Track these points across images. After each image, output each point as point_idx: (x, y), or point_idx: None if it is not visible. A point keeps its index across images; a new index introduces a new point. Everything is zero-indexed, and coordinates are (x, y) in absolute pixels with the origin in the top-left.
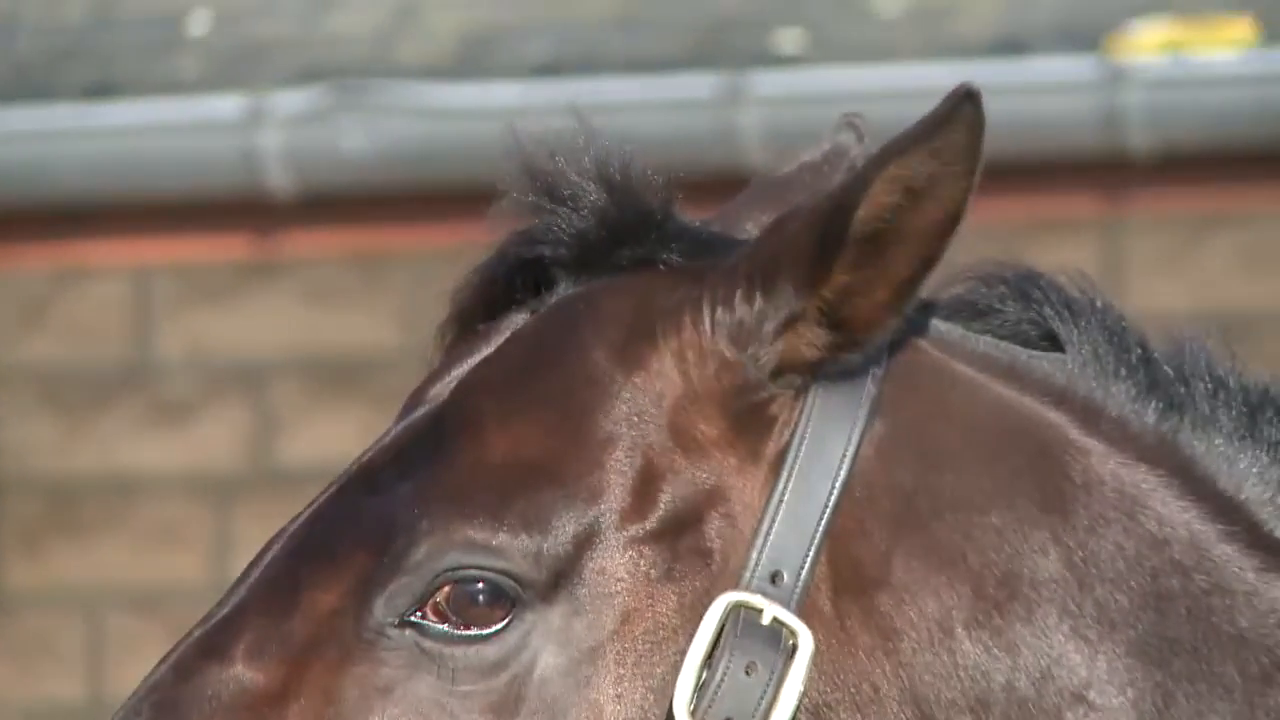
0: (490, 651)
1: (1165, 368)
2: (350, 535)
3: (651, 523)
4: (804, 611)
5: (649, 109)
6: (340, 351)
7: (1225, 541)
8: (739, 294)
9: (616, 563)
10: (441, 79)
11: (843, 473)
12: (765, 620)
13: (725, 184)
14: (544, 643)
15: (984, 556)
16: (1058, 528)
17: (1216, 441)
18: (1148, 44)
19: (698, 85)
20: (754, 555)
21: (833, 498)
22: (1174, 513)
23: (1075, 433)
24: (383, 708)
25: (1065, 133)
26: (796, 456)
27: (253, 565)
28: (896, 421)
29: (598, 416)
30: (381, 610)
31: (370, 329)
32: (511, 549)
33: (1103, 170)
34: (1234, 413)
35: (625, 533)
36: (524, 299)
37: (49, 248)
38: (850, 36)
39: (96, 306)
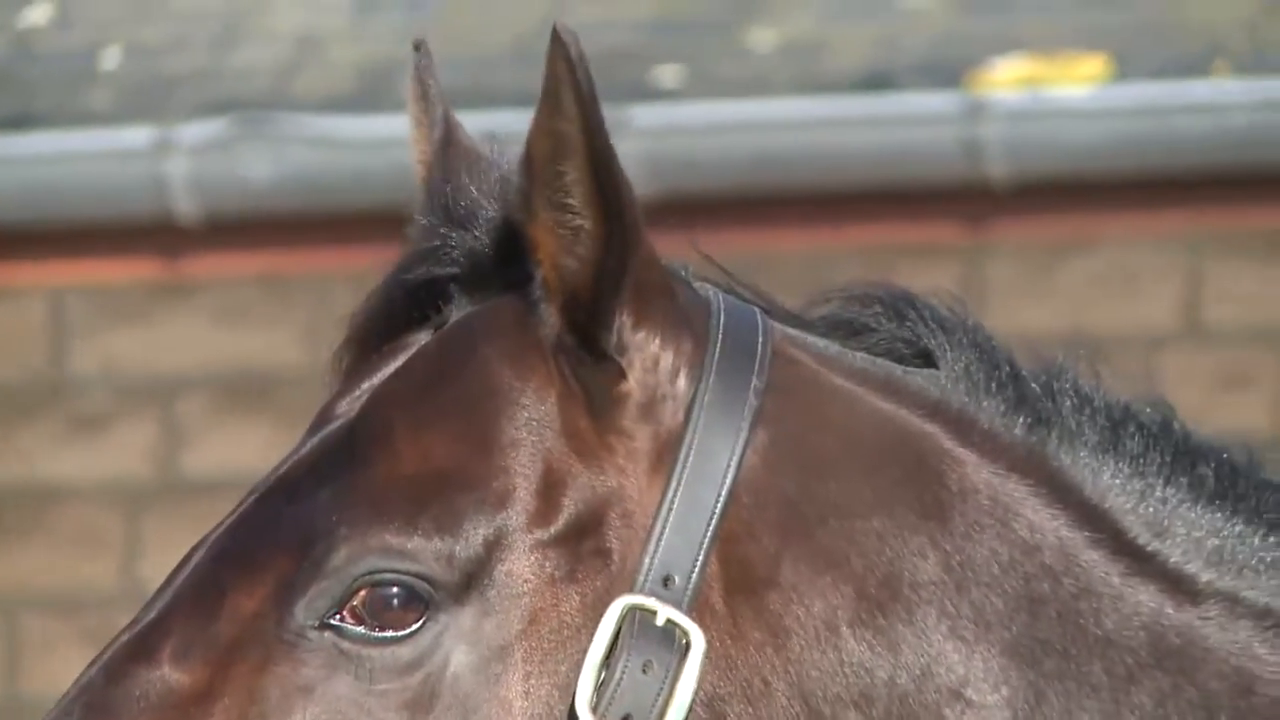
0: (405, 652)
1: (1033, 384)
2: (270, 541)
3: (556, 526)
4: (697, 611)
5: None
6: (245, 368)
7: (1091, 548)
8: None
9: (523, 565)
10: (340, 111)
11: (728, 481)
12: (659, 621)
13: None
14: (456, 642)
15: (867, 559)
16: (936, 533)
17: (1082, 454)
18: (1006, 80)
19: None
20: (647, 560)
21: (719, 505)
22: (1044, 520)
23: (950, 443)
24: (304, 706)
25: (929, 163)
26: (685, 466)
27: (177, 571)
28: (779, 432)
29: (501, 424)
30: (302, 613)
31: (273, 347)
32: (425, 553)
33: (964, 198)
34: (1098, 427)
35: (531, 536)
36: (423, 317)
37: None
38: (726, 72)
39: (15, 326)
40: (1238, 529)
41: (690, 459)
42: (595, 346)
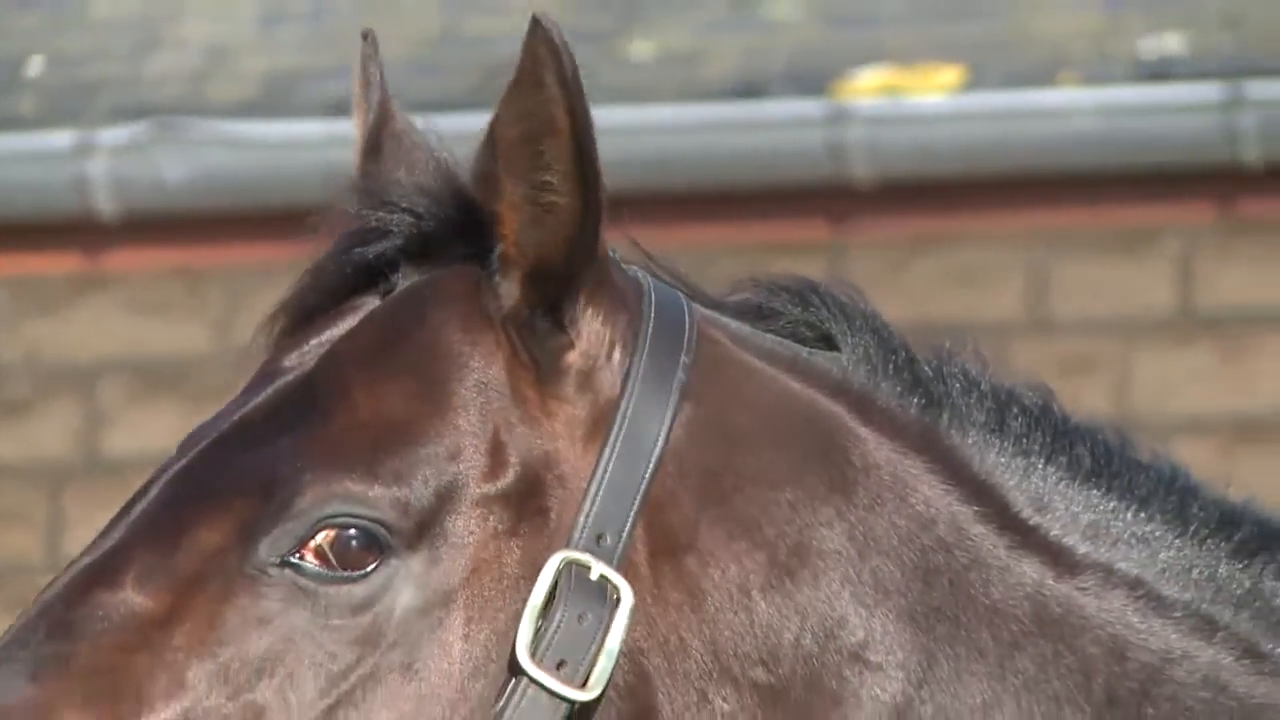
0: (359, 591)
1: (925, 368)
2: (230, 483)
3: (502, 482)
4: (624, 569)
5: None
6: (160, 356)
7: (980, 522)
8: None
9: (470, 518)
10: (249, 116)
11: (657, 449)
12: (593, 576)
13: None
14: (405, 586)
15: (778, 528)
16: (841, 505)
17: (971, 434)
18: (867, 88)
19: (476, 121)
20: (582, 518)
21: (648, 471)
22: (938, 495)
23: (853, 422)
24: (261, 635)
25: (796, 165)
26: (619, 434)
27: (129, 507)
28: (702, 406)
29: (452, 385)
30: (265, 550)
31: (187, 336)
32: (383, 500)
33: (829, 197)
34: (985, 409)
35: (480, 490)
36: (365, 285)
37: None
38: (609, 80)
39: None
40: (1111, 505)
41: (624, 427)
42: (557, 317)
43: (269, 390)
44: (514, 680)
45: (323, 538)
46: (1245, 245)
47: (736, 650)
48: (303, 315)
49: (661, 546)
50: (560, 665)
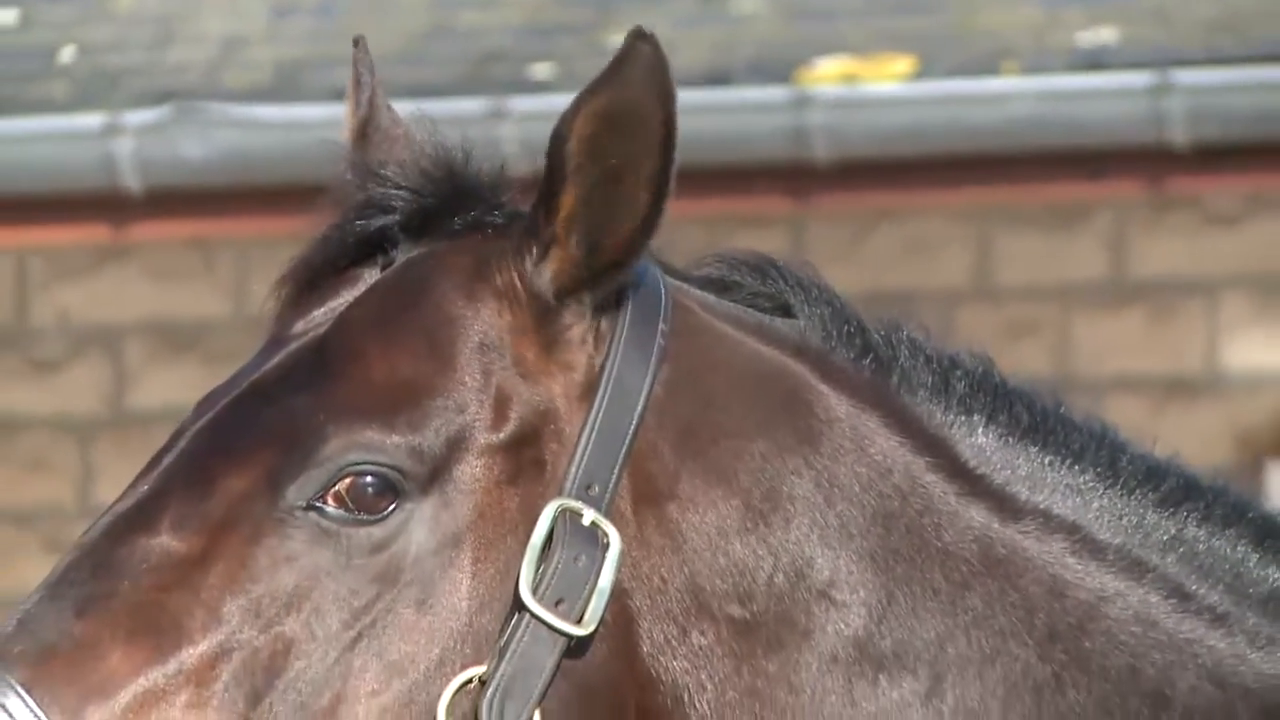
0: (377, 533)
1: (875, 335)
2: (255, 435)
3: (504, 434)
4: (612, 516)
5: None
6: (179, 319)
7: (931, 472)
8: (525, 240)
9: (476, 466)
10: (261, 100)
11: (639, 406)
12: (586, 522)
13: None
14: (419, 528)
15: (751, 476)
16: (808, 455)
17: (920, 394)
18: (827, 76)
19: (468, 106)
20: (574, 469)
21: (632, 426)
22: (893, 448)
23: (814, 379)
24: (288, 573)
25: (761, 146)
26: (605, 392)
27: (158, 459)
28: (678, 368)
29: (458, 346)
30: (292, 495)
31: (204, 301)
32: (401, 448)
33: (791, 176)
34: (931, 372)
35: (485, 440)
36: (365, 258)
37: None
38: (589, 69)
39: None
40: (1048, 458)
41: (610, 388)
42: (583, 297)
43: (283, 354)
44: (517, 615)
45: (343, 484)
46: (1172, 220)
47: (714, 589)
48: (307, 283)
49: (645, 495)
50: (559, 603)
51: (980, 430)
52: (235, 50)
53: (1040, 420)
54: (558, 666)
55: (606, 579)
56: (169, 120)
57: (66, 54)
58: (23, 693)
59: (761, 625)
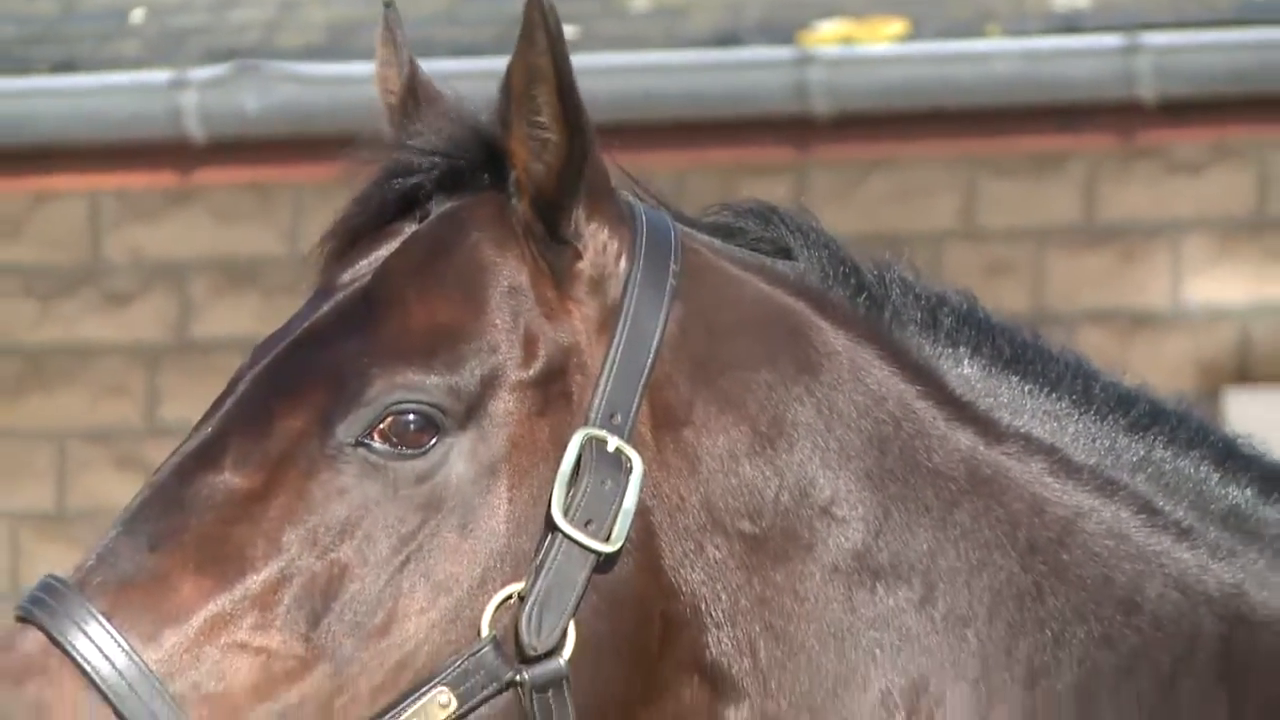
0: (421, 465)
1: (869, 275)
2: (309, 377)
3: (533, 370)
4: (633, 442)
5: (468, 79)
6: (239, 257)
7: (922, 399)
8: (514, 189)
9: (509, 401)
10: (315, 58)
11: (655, 341)
12: (610, 449)
13: None
14: (459, 460)
15: (758, 404)
16: (810, 384)
17: (910, 329)
18: (828, 37)
19: (502, 64)
20: (598, 401)
21: (649, 360)
22: (886, 377)
23: (814, 315)
24: (341, 505)
25: (768, 101)
26: (623, 329)
27: (221, 400)
28: (689, 305)
29: (489, 292)
30: (342, 433)
31: (261, 240)
32: (440, 387)
33: (793, 128)
34: (920, 309)
35: (516, 377)
36: (403, 213)
37: (27, 179)
38: (610, 30)
39: (62, 221)
40: (1028, 387)
41: (628, 324)
42: (557, 232)
43: (331, 302)
44: (550, 536)
45: (388, 422)
46: (1140, 169)
47: (726, 506)
48: (351, 238)
49: (662, 421)
50: (588, 523)
51: (966, 361)
52: (291, 12)
53: (1020, 352)
54: (589, 581)
55: (631, 499)
56: (230, 76)
57: (137, 15)
58: (103, 620)
59: (769, 539)
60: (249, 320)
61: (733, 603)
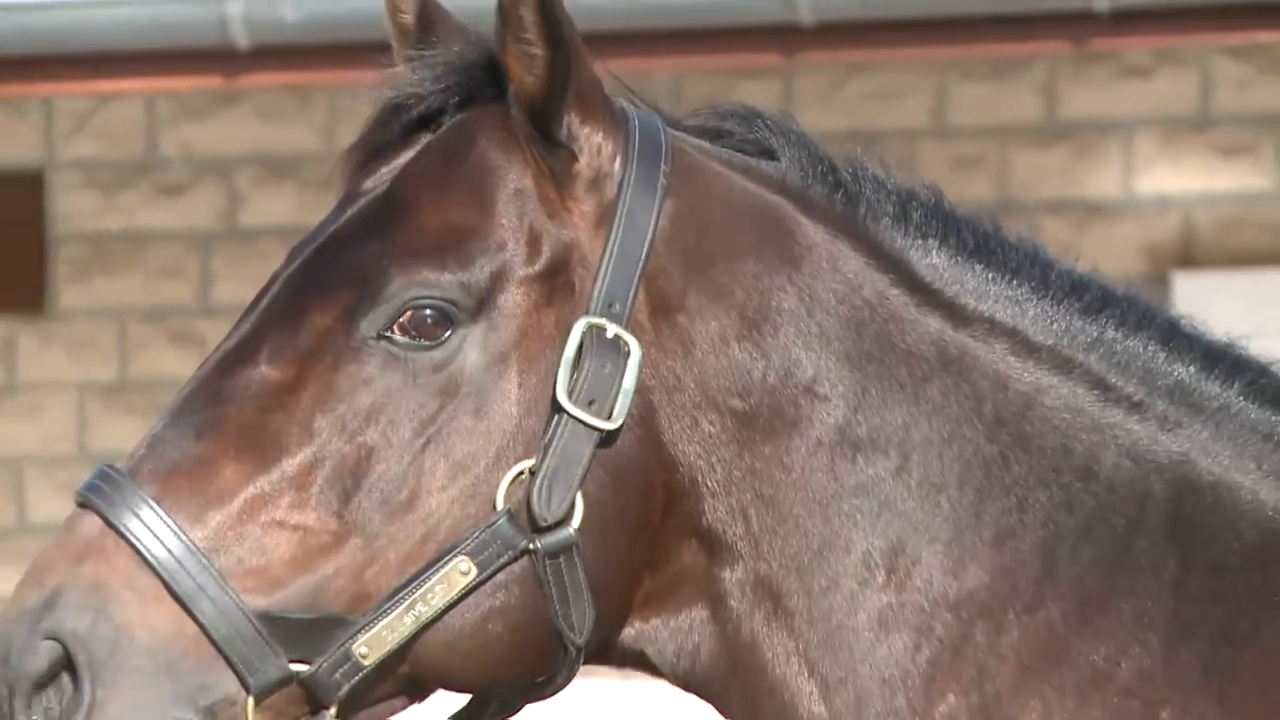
0: (437, 355)
1: (844, 173)
2: (335, 277)
3: (538, 265)
4: (632, 328)
5: None
6: (280, 152)
7: (894, 287)
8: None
9: (516, 294)
10: None
11: (649, 235)
12: (609, 335)
13: None
14: (472, 349)
15: (745, 292)
16: (791, 274)
17: (883, 222)
18: None
19: None
20: (597, 292)
21: (644, 252)
22: (861, 267)
23: (794, 211)
24: (366, 393)
25: (757, 10)
26: (619, 225)
27: (260, 298)
28: (680, 202)
29: (496, 194)
30: (365, 328)
31: (301, 138)
32: (452, 284)
33: (781, 35)
34: (892, 204)
35: (522, 272)
36: (420, 126)
37: (90, 82)
38: None
39: (120, 120)
40: (990, 275)
41: (623, 219)
42: (552, 138)
43: (356, 207)
44: (556, 416)
45: (406, 317)
46: (1093, 72)
47: (718, 385)
48: (372, 151)
49: (658, 308)
50: (591, 403)
51: (934, 252)
52: None
53: (983, 242)
54: (593, 456)
55: (629, 380)
56: None
57: None
58: (154, 504)
59: (758, 415)
60: (290, 210)
61: (726, 474)
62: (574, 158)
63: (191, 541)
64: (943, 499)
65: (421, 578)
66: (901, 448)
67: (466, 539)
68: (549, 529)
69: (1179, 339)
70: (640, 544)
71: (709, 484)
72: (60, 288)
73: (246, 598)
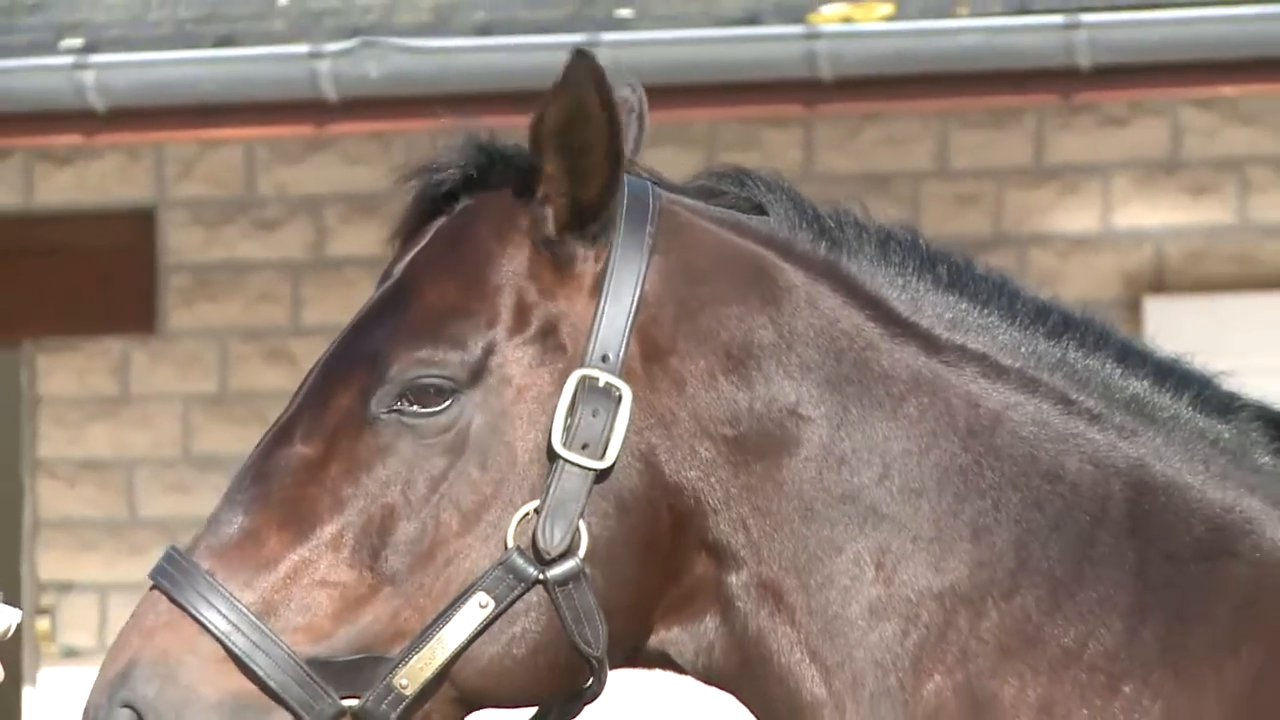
0: (442, 420)
1: (828, 220)
2: (353, 362)
3: (527, 333)
4: (625, 375)
5: (543, 50)
6: (364, 192)
7: (871, 321)
8: (536, 197)
9: (510, 359)
10: (423, 34)
11: (638, 290)
12: (601, 384)
13: None
14: (472, 411)
15: (730, 334)
16: (772, 314)
17: (863, 263)
18: (831, 17)
19: (573, 39)
20: (591, 346)
21: (633, 306)
22: (839, 305)
23: (776, 259)
24: (384, 460)
25: (783, 68)
26: (609, 284)
27: (304, 382)
28: (668, 257)
29: (489, 275)
30: (376, 405)
31: (381, 179)
32: (446, 361)
33: (804, 89)
34: (872, 245)
35: (512, 340)
36: (441, 211)
37: (197, 130)
38: (660, 10)
39: (223, 164)
40: (963, 305)
41: (612, 283)
42: (585, 234)
43: (379, 293)
44: (555, 463)
45: (412, 392)
46: (1077, 121)
47: (710, 416)
48: (406, 234)
49: (651, 354)
50: (584, 447)
51: (910, 288)
52: None
53: (956, 276)
54: (589, 492)
55: (622, 422)
56: (356, 49)
57: (283, 0)
58: (209, 577)
59: (748, 439)
60: (371, 243)
61: (725, 492)
62: (586, 246)
63: (244, 606)
64: (923, 502)
65: (446, 614)
66: (883, 459)
67: (483, 576)
68: (555, 560)
69: (1132, 357)
70: (651, 563)
71: (710, 502)
72: (169, 312)
73: (297, 649)
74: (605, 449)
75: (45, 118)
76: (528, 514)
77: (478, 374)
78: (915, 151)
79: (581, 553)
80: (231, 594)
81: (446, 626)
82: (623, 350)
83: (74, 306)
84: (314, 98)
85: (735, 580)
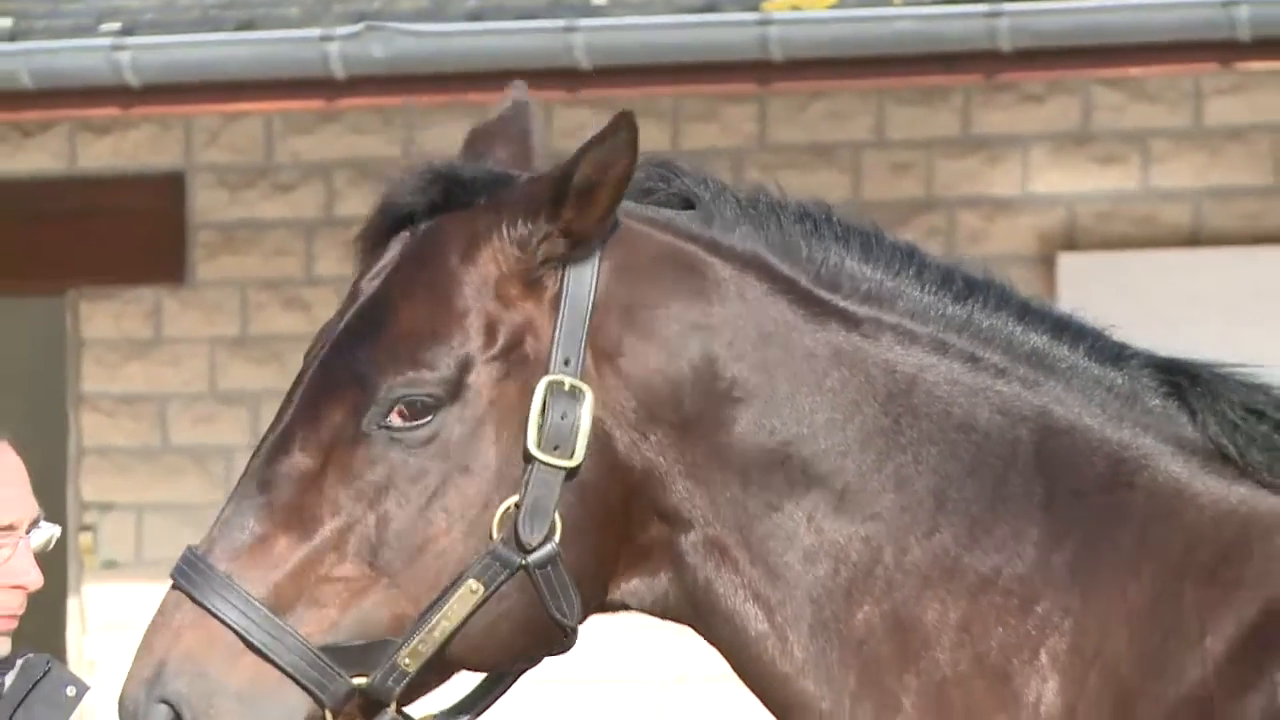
0: (426, 431)
1: (751, 209)
2: (341, 380)
3: (496, 349)
4: (584, 377)
5: (527, 34)
6: (369, 159)
7: (793, 304)
8: (519, 221)
9: (482, 375)
10: (423, 19)
11: (591, 298)
12: (566, 387)
13: (557, 74)
14: (453, 423)
15: (668, 328)
16: (704, 306)
17: (783, 247)
18: (781, 4)
19: (549, 24)
20: (554, 353)
21: (589, 313)
22: (763, 293)
23: (704, 255)
24: (376, 469)
25: (738, 50)
26: (566, 296)
27: (290, 397)
28: (613, 264)
29: (457, 297)
30: (367, 421)
31: (384, 145)
32: (428, 380)
33: (757, 69)
34: (789, 226)
35: (483, 357)
36: (404, 226)
37: (222, 104)
38: None
39: (243, 135)
40: (877, 277)
41: (569, 293)
42: (568, 258)
43: (356, 306)
44: (529, 465)
45: (398, 409)
46: (1000, 100)
47: (656, 404)
48: (373, 242)
49: (602, 355)
50: (555, 448)
51: (828, 265)
52: None
53: (867, 250)
54: (563, 486)
55: (585, 421)
56: (363, 33)
57: None
58: (227, 579)
59: (691, 422)
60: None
61: (673, 468)
62: (559, 266)
63: (260, 603)
64: (848, 462)
65: (440, 600)
66: (810, 425)
67: (471, 566)
68: (535, 548)
69: (1031, 314)
70: (609, 533)
71: (661, 478)
72: (197, 264)
73: (310, 638)
74: (574, 449)
75: (86, 93)
76: (508, 509)
77: (456, 390)
78: (856, 125)
79: (557, 539)
80: (248, 593)
81: (442, 610)
82: (582, 354)
83: (112, 260)
84: (325, 76)
85: (685, 540)
